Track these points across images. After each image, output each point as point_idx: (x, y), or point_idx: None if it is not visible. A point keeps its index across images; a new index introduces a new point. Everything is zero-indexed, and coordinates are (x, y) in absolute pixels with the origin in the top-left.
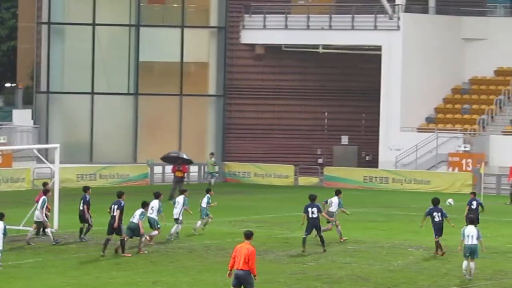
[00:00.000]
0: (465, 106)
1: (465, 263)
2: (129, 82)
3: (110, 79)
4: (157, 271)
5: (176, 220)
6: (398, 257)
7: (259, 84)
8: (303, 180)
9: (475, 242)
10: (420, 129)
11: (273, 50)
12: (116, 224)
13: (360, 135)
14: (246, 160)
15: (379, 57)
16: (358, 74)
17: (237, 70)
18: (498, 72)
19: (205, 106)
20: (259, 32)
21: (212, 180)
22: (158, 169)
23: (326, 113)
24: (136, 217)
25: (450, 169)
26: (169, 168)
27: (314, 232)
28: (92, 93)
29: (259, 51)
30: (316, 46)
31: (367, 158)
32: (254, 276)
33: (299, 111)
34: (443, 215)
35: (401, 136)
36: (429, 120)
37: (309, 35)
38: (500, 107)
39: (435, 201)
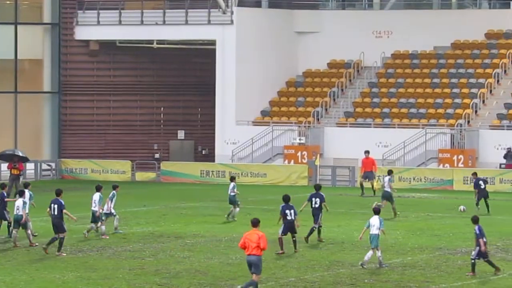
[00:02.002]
0: (300, 99)
1: (369, 252)
2: None
3: None
4: None
5: (110, 214)
6: (236, 250)
7: (94, 80)
8: (140, 176)
9: (376, 232)
10: (256, 123)
11: (108, 46)
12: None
13: (196, 130)
14: (83, 157)
15: (213, 52)
16: (193, 69)
17: (71, 67)
18: (331, 65)
19: (40, 103)
20: (93, 28)
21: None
22: None
23: (162, 108)
24: (20, 209)
25: (286, 161)
26: (5, 165)
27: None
28: None
29: (93, 47)
30: (150, 42)
31: (203, 152)
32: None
33: (134, 106)
34: (295, 213)
35: (237, 129)
36: (264, 113)
37: (143, 31)
38: (334, 100)
39: (286, 198)
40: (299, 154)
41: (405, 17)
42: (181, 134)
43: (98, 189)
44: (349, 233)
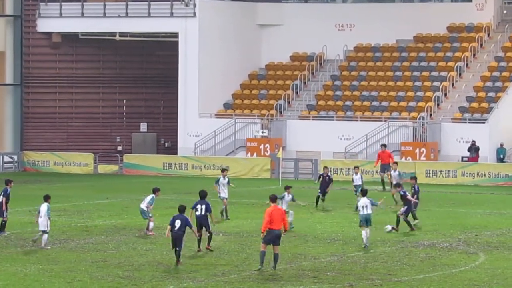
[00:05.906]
0: (262, 92)
1: (363, 232)
2: None
3: None
4: None
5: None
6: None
7: (56, 73)
8: (103, 168)
9: (369, 211)
10: (218, 115)
11: (70, 38)
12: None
13: (158, 122)
14: (45, 149)
15: (176, 44)
16: (155, 61)
17: (34, 59)
18: (294, 58)
19: (2, 95)
20: (55, 20)
21: None
22: None
23: (124, 101)
24: None
25: (249, 154)
26: None
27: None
28: None
29: (55, 39)
30: (113, 34)
31: (166, 145)
32: (285, 231)
33: (97, 99)
34: (207, 210)
35: (199, 122)
36: (226, 106)
37: (106, 23)
38: (297, 92)
39: (203, 194)
40: (261, 147)
41: (368, 10)
42: (143, 127)
43: (45, 199)
44: (311, 226)
